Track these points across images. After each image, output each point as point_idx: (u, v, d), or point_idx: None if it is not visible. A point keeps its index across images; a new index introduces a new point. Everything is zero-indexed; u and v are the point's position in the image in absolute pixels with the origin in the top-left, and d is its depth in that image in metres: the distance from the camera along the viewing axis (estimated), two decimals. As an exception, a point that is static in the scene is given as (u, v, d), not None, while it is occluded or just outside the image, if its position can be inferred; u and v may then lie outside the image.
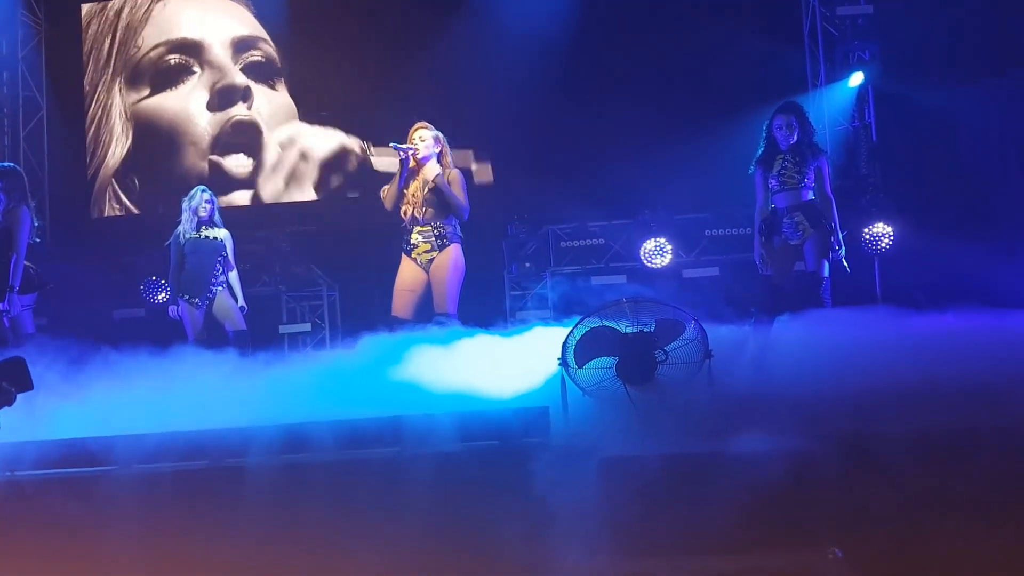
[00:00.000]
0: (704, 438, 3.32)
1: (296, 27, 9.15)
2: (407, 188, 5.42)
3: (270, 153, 9.20)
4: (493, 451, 3.53)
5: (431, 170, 5.36)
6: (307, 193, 9.17)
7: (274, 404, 4.36)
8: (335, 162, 9.12)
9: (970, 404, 3.56)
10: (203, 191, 6.73)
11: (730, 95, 7.76)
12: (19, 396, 2.69)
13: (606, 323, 3.68)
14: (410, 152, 5.36)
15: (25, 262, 5.94)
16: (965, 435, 3.28)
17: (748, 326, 5.22)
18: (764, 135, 5.63)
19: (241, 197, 9.18)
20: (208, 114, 9.25)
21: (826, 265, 5.47)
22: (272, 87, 9.27)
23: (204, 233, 6.66)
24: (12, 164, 6.36)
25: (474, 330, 5.00)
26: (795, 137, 5.51)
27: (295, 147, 9.20)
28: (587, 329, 3.66)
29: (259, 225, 8.62)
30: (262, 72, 9.26)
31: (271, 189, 9.21)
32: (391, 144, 5.38)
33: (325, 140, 9.15)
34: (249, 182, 9.21)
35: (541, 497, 3.22)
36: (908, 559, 2.98)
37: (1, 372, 2.64)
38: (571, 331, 3.71)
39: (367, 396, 4.40)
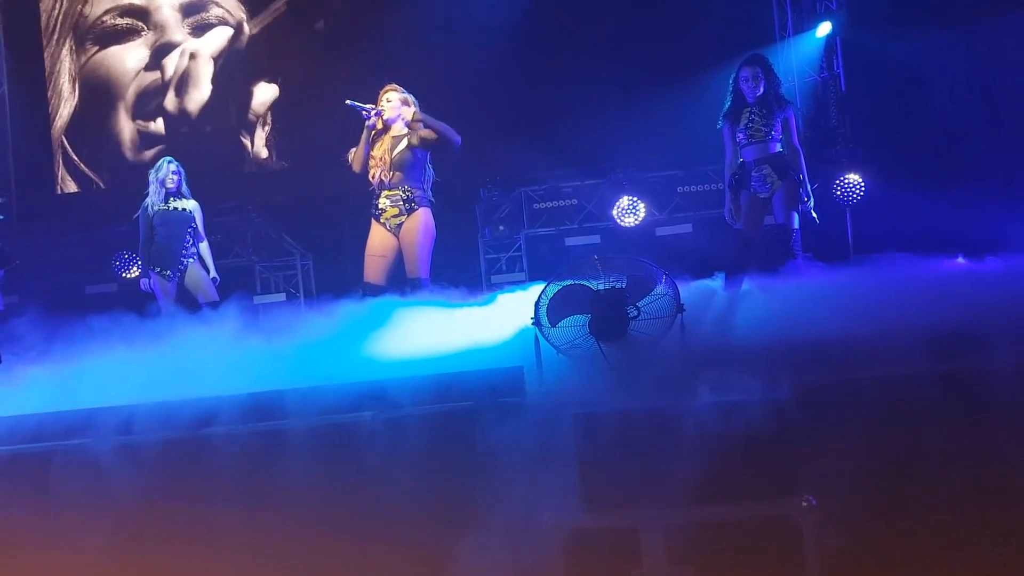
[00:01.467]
0: (677, 392, 3.34)
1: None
2: (373, 151, 5.35)
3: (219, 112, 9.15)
4: (468, 412, 3.54)
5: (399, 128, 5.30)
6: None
7: (246, 372, 4.34)
8: (295, 124, 9.05)
9: (942, 349, 3.60)
10: (169, 162, 6.64)
11: (698, 49, 7.72)
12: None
13: (578, 281, 3.68)
14: (373, 113, 5.29)
15: (-10, 240, 5.87)
16: (937, 380, 3.31)
17: (719, 279, 5.24)
18: (731, 88, 5.62)
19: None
20: (146, 73, 9.17)
21: (795, 217, 5.50)
22: (224, 47, 9.16)
23: (172, 204, 6.58)
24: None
25: (441, 300, 4.97)
26: (761, 89, 5.49)
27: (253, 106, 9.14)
28: (559, 287, 3.66)
29: (229, 195, 8.51)
30: (213, 33, 9.17)
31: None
32: (347, 102, 5.28)
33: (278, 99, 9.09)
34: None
35: (518, 455, 3.23)
36: (881, 506, 3.03)
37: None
38: (543, 290, 3.70)
39: (340, 362, 4.40)
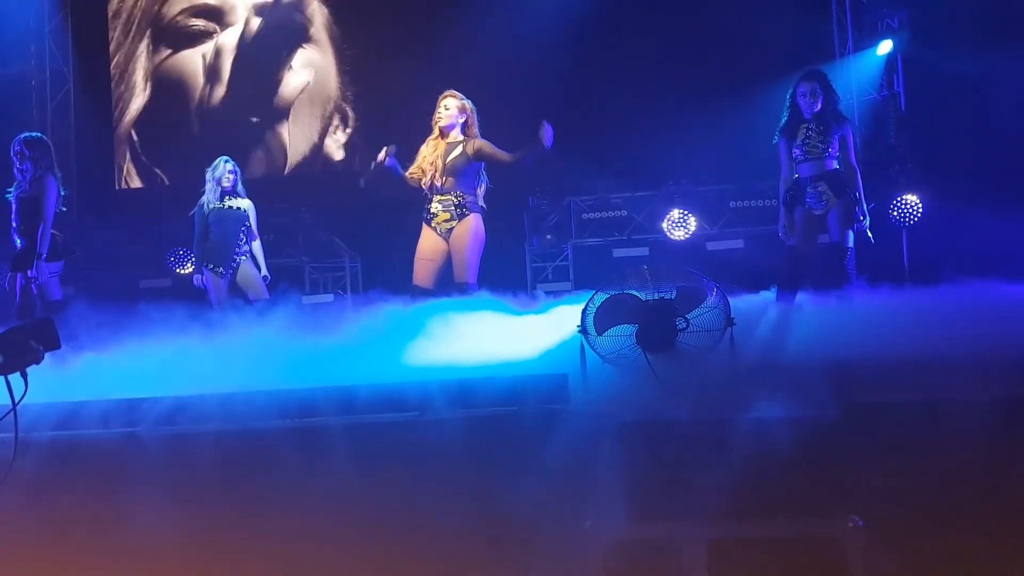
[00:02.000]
0: (725, 406, 3.30)
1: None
2: (427, 155, 5.40)
3: (298, 117, 9.23)
4: (512, 417, 3.54)
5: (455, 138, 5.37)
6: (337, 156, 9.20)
7: (292, 369, 4.40)
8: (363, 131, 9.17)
9: (995, 375, 3.51)
10: (226, 161, 6.76)
11: (755, 64, 7.64)
12: (47, 355, 2.72)
13: (626, 290, 3.66)
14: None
15: (52, 230, 6.03)
16: (991, 407, 3.23)
17: (771, 295, 5.17)
18: (788, 104, 5.56)
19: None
20: (227, 75, 9.36)
21: (850, 235, 5.41)
22: (301, 46, 9.31)
23: (228, 203, 6.70)
24: (39, 134, 6.43)
25: (494, 300, 4.99)
26: (819, 105, 5.43)
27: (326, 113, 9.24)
28: (607, 296, 3.64)
29: (282, 197, 8.65)
30: (289, 33, 9.31)
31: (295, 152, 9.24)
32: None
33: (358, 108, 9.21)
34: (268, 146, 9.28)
35: (560, 463, 3.22)
36: (928, 530, 2.95)
37: (30, 332, 2.68)
38: (591, 298, 3.69)
39: (383, 363, 4.43)
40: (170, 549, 3.12)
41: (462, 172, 5.36)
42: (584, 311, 3.69)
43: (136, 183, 9.63)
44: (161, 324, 5.12)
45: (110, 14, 9.61)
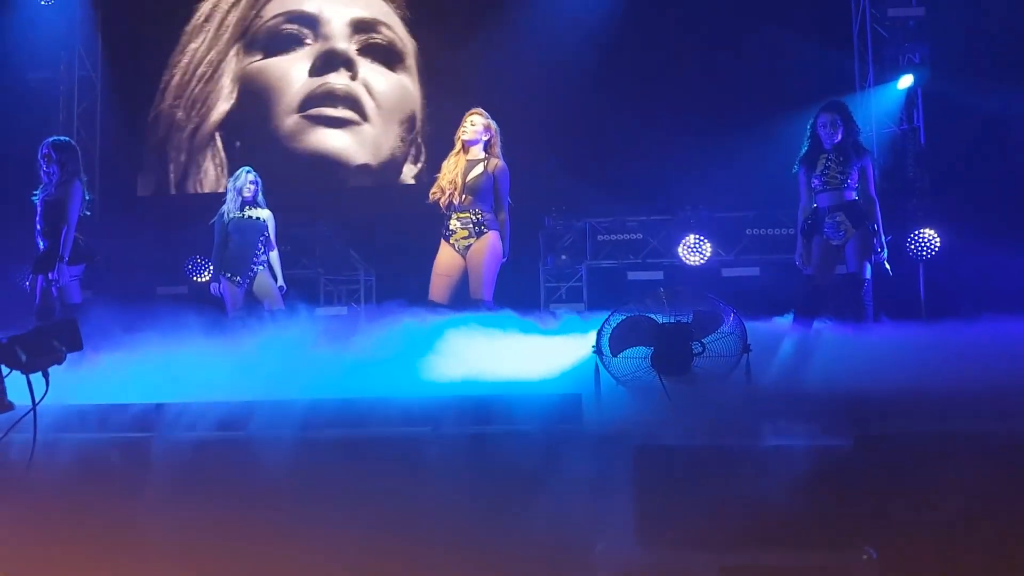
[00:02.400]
0: (740, 432, 3.29)
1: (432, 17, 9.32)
2: (447, 172, 5.45)
3: (375, 129, 9.38)
4: (524, 436, 3.53)
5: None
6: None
7: (303, 380, 4.41)
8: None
9: (1011, 409, 3.49)
10: (248, 171, 6.83)
11: (776, 94, 7.69)
12: (68, 356, 2.74)
13: (642, 313, 3.66)
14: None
15: (76, 234, 6.09)
16: (1006, 439, 3.21)
17: (787, 322, 5.16)
18: (808, 133, 5.57)
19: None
20: (307, 78, 9.49)
21: (868, 267, 5.40)
22: (391, 69, 9.44)
23: (248, 213, 6.76)
24: (68, 138, 6.51)
25: (510, 315, 5.00)
26: (839, 136, 5.44)
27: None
28: (623, 318, 3.65)
29: (300, 208, 8.71)
30: (379, 53, 9.48)
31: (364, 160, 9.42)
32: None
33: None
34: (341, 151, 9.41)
35: (572, 483, 3.21)
36: (943, 564, 2.92)
37: (53, 331, 2.70)
38: (607, 319, 3.69)
39: (398, 376, 4.43)
40: (174, 553, 3.13)
41: (482, 190, 5.40)
42: (600, 332, 3.69)
43: (208, 186, 9.67)
44: (176, 330, 5.15)
45: (202, 17, 9.74)
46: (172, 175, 9.76)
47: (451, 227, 5.45)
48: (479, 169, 5.41)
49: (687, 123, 8.03)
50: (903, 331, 5.17)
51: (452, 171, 5.43)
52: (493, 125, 5.50)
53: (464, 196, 5.40)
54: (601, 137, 8.42)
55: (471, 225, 5.39)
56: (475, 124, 5.44)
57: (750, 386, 3.66)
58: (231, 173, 9.24)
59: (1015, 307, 5.25)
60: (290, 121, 9.48)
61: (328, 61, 9.46)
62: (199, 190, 9.64)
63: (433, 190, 5.50)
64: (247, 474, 3.46)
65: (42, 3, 9.10)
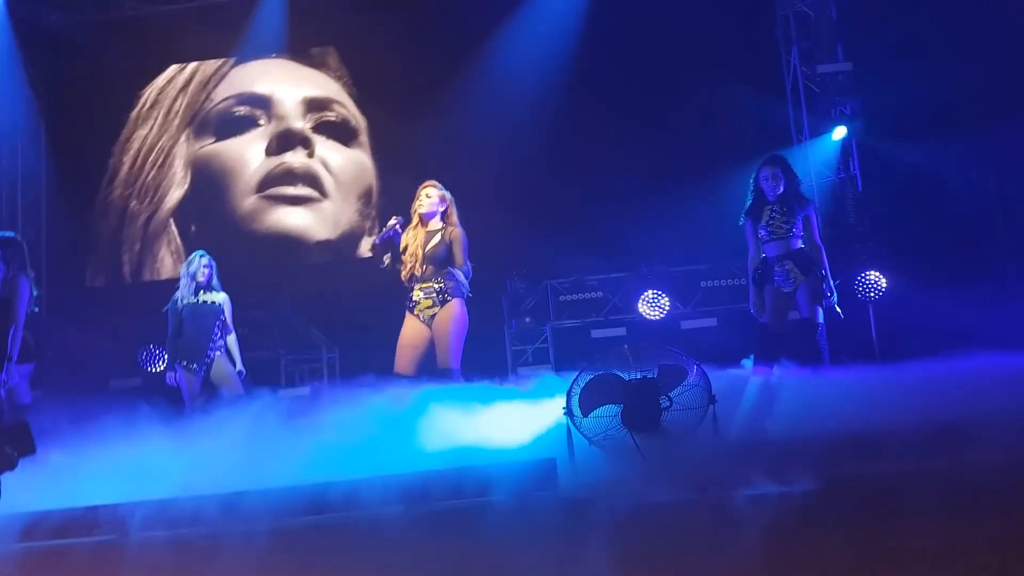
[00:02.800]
0: (712, 484, 3.31)
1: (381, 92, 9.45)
2: (408, 247, 5.50)
3: (334, 205, 9.42)
4: (500, 506, 3.50)
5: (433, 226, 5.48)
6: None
7: (272, 466, 4.33)
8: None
9: (967, 444, 3.58)
10: (201, 256, 6.76)
11: (719, 149, 7.94)
12: (20, 461, 2.67)
13: (609, 371, 3.70)
14: (398, 226, 5.50)
15: (23, 332, 5.95)
16: (964, 474, 3.29)
17: (747, 370, 5.24)
18: (752, 187, 5.74)
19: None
20: (264, 158, 9.55)
21: (820, 311, 5.53)
22: (346, 145, 9.54)
23: (202, 298, 6.67)
24: (12, 233, 6.40)
25: (480, 385, 4.99)
26: (781, 188, 5.62)
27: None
28: (591, 377, 3.68)
29: (258, 289, 8.65)
30: (334, 130, 9.58)
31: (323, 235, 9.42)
32: (375, 241, 5.55)
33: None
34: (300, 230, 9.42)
35: (550, 552, 3.18)
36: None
37: (4, 436, 2.63)
38: (575, 379, 3.72)
39: (369, 455, 4.38)
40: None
41: (441, 259, 5.44)
42: (569, 392, 3.72)
43: (164, 273, 9.58)
44: (131, 426, 5.03)
45: (147, 104, 9.75)
46: (126, 265, 9.67)
47: (415, 298, 5.46)
48: (437, 239, 5.47)
49: (638, 182, 8.26)
50: (860, 372, 5.28)
51: (413, 243, 5.48)
52: (447, 195, 5.59)
53: (425, 267, 5.43)
54: (557, 199, 8.60)
55: (434, 294, 5.41)
56: (430, 196, 5.53)
57: (719, 437, 3.69)
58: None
59: (959, 343, 5.41)
60: (248, 202, 9.51)
61: (284, 140, 9.57)
62: (155, 278, 9.54)
63: (399, 266, 5.55)
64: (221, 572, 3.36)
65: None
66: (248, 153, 9.58)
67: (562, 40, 8.75)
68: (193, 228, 9.60)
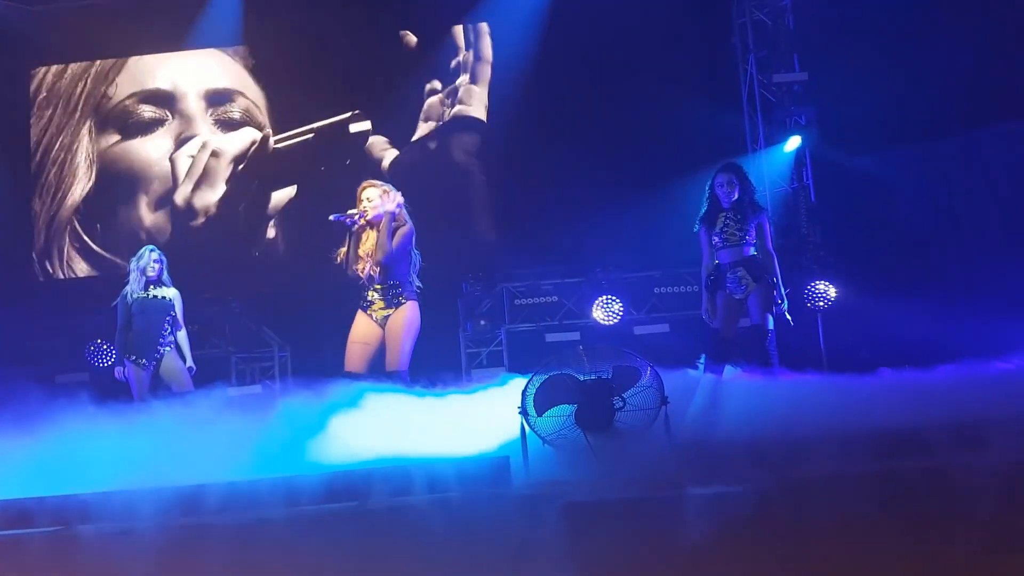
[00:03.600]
0: (663, 483, 3.35)
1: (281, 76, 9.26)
2: (361, 248, 5.42)
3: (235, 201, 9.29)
4: (454, 502, 3.51)
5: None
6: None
7: (224, 461, 4.28)
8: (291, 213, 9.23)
9: (906, 448, 3.68)
10: (151, 250, 6.66)
11: (675, 157, 8.01)
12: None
13: (564, 371, 3.73)
14: (357, 216, 5.38)
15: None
16: (904, 475, 3.37)
17: (699, 371, 5.31)
18: (707, 194, 5.80)
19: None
20: (168, 161, 9.34)
21: (770, 318, 5.61)
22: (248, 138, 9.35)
23: (152, 292, 6.57)
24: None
25: (425, 391, 4.96)
26: (736, 195, 5.69)
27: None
28: (546, 377, 3.70)
29: (209, 285, 8.52)
30: (235, 126, 9.37)
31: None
32: (330, 217, 5.39)
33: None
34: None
35: (502, 547, 3.20)
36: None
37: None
38: (530, 379, 3.74)
39: (318, 452, 4.35)
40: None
41: (395, 259, 5.37)
42: (524, 391, 3.73)
43: (83, 268, 9.34)
44: (79, 420, 4.94)
45: (42, 93, 9.48)
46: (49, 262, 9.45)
47: (369, 298, 5.39)
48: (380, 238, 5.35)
49: (595, 187, 8.29)
50: (807, 379, 5.39)
51: (366, 244, 5.40)
52: (390, 189, 5.45)
53: (379, 268, 5.35)
54: (513, 203, 8.63)
55: (388, 296, 5.36)
56: (371, 199, 5.38)
57: (670, 437, 3.74)
58: (93, 257, 9.10)
59: (906, 352, 5.55)
60: (148, 212, 9.36)
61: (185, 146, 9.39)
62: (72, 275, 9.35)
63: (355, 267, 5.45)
64: (167, 566, 3.31)
65: None
66: (153, 154, 9.40)
67: (521, 42, 8.77)
68: (99, 226, 9.39)
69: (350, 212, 5.36)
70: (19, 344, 8.14)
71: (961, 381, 5.05)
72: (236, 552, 3.23)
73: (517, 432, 3.77)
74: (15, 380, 7.37)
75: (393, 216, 5.35)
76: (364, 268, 5.37)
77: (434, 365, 5.81)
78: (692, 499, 3.19)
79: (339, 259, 5.42)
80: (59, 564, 3.30)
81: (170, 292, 6.65)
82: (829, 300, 7.95)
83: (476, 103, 8.98)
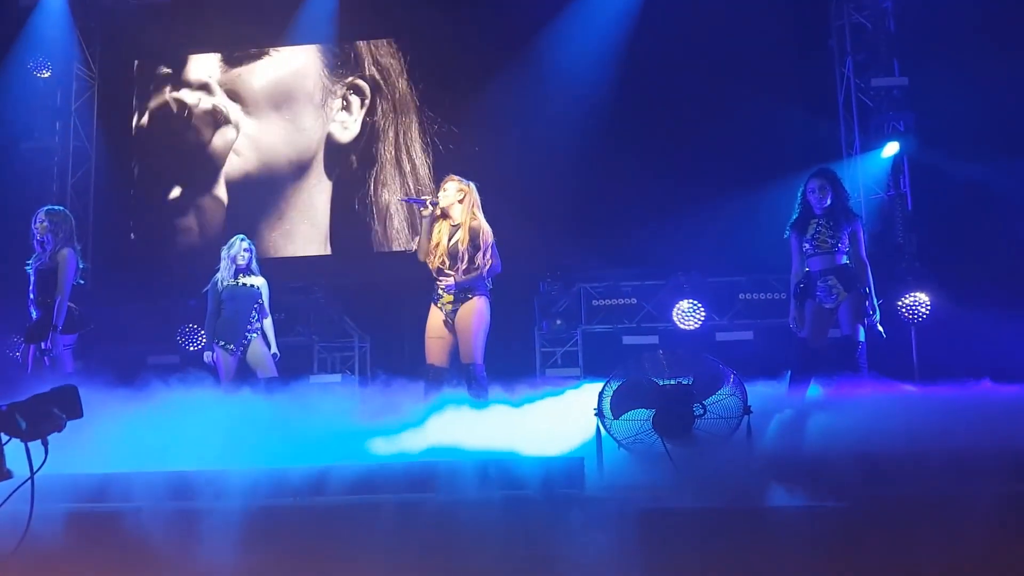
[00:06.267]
0: (744, 495, 3.26)
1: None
2: (433, 239, 5.45)
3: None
4: (527, 500, 3.49)
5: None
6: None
7: (304, 446, 4.37)
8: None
9: (1003, 470, 3.50)
10: (242, 239, 6.85)
11: (766, 161, 7.82)
12: (68, 424, 2.71)
13: (643, 375, 3.66)
14: (429, 203, 5.43)
15: (69, 303, 6.08)
16: (999, 500, 3.21)
17: (784, 381, 5.17)
18: (799, 200, 5.66)
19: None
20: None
21: (861, 330, 5.43)
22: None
23: (242, 280, 6.76)
24: (61, 207, 6.54)
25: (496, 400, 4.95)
26: (828, 201, 5.53)
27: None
28: (624, 380, 3.65)
29: (296, 275, 8.72)
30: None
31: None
32: (400, 199, 5.48)
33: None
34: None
35: (574, 549, 3.16)
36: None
37: (53, 399, 2.68)
38: (608, 381, 3.69)
39: (400, 443, 4.39)
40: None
41: (462, 254, 5.35)
42: (601, 394, 3.69)
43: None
44: (168, 401, 5.12)
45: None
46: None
47: (438, 291, 5.43)
48: (459, 234, 5.39)
49: (680, 189, 8.15)
50: (901, 393, 5.18)
51: (437, 235, 5.44)
52: (465, 186, 5.47)
53: (447, 261, 5.37)
54: (595, 203, 8.54)
55: (455, 290, 5.36)
56: (447, 190, 5.44)
57: (752, 447, 3.64)
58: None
59: (1005, 371, 5.28)
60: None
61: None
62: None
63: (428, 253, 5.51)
64: (254, 543, 3.39)
65: (39, 76, 9.23)
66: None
67: (609, 42, 8.70)
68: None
69: (423, 197, 5.44)
70: (115, 324, 8.47)
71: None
72: (306, 535, 3.28)
73: (592, 434, 3.73)
74: (110, 358, 7.72)
75: (464, 208, 5.38)
76: (435, 260, 5.39)
77: (508, 363, 5.81)
78: (770, 513, 3.10)
79: (415, 248, 5.50)
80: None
81: (258, 280, 6.83)
82: (925, 312, 7.64)
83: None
